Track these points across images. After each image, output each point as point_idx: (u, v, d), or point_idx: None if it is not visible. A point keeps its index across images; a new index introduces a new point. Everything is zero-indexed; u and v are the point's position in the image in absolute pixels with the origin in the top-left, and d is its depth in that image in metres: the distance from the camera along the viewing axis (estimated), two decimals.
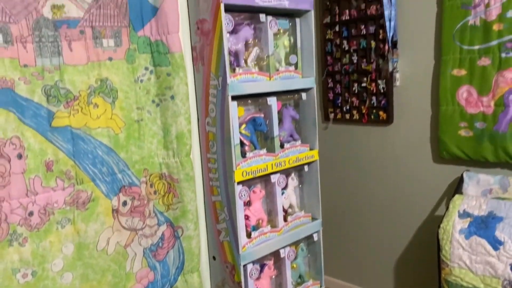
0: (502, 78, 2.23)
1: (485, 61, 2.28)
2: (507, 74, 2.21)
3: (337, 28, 2.94)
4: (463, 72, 2.37)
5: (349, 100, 2.96)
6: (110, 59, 1.31)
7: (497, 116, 2.26)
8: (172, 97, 1.42)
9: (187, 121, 1.44)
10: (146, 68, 1.39)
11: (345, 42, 2.92)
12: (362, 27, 2.80)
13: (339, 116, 3.06)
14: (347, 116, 3.00)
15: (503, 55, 2.21)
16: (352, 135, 3.03)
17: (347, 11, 2.87)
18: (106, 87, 1.29)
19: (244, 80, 1.51)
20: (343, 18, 2.90)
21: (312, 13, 1.70)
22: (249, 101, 1.59)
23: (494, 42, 2.24)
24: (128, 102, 1.35)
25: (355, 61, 2.89)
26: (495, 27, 2.22)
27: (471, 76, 2.34)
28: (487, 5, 2.23)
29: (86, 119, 1.26)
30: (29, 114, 1.16)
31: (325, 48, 3.04)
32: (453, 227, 2.06)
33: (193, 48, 1.54)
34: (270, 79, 1.60)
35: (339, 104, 3.03)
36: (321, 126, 3.20)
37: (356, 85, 2.91)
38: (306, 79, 1.73)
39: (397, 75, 2.72)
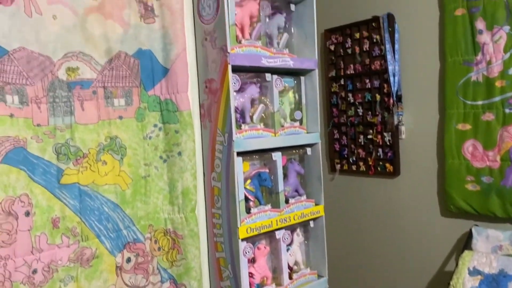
0: (506, 133, 2.25)
1: (489, 116, 2.31)
2: None
3: (342, 82, 3.02)
4: (467, 126, 2.39)
5: (356, 151, 2.99)
6: (121, 117, 1.35)
7: (504, 171, 2.26)
8: (179, 153, 1.45)
9: (193, 177, 1.46)
10: (155, 125, 1.43)
11: (350, 95, 2.98)
12: (367, 81, 2.86)
13: (345, 167, 3.07)
14: (354, 167, 3.01)
15: (507, 110, 2.24)
16: (359, 187, 3.02)
17: (351, 66, 2.95)
18: (115, 145, 1.33)
19: (249, 137, 1.54)
20: (348, 72, 2.98)
21: (316, 71, 1.75)
22: (255, 156, 1.61)
23: (497, 98, 2.27)
24: (136, 158, 1.38)
25: (360, 113, 2.93)
26: (498, 84, 2.26)
27: (476, 131, 2.36)
28: (489, 62, 2.29)
29: (94, 176, 1.29)
30: (39, 172, 1.19)
31: (331, 100, 3.10)
32: (463, 285, 2.01)
33: (201, 106, 1.59)
34: (275, 135, 1.63)
35: (346, 155, 3.05)
36: (327, 177, 3.20)
37: (362, 137, 2.94)
38: (311, 135, 1.76)
39: (403, 128, 2.75)
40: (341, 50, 2.99)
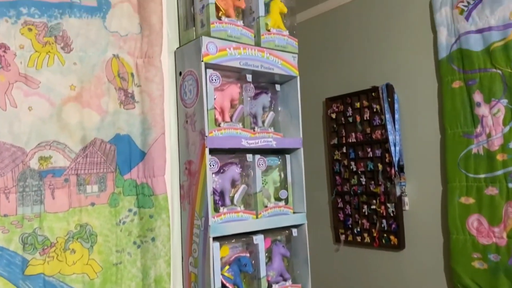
0: (511, 209, 2.14)
1: (492, 191, 2.22)
2: None
3: (344, 149, 2.99)
4: (471, 200, 2.30)
5: (360, 221, 2.90)
6: (93, 204, 1.35)
7: (511, 249, 2.13)
8: (153, 239, 1.42)
9: (167, 264, 1.42)
10: (130, 210, 1.42)
11: (352, 163, 2.94)
12: (369, 149, 2.83)
13: (350, 238, 2.96)
14: (358, 238, 2.91)
15: (510, 185, 2.15)
16: (364, 259, 2.90)
17: (353, 134, 2.93)
18: (85, 233, 1.31)
19: (228, 220, 1.51)
20: (350, 141, 2.96)
21: (302, 150, 1.74)
22: (235, 239, 1.57)
23: (499, 172, 2.19)
24: (107, 245, 1.36)
25: (363, 182, 2.88)
26: (499, 157, 2.19)
27: (479, 205, 2.26)
28: (489, 135, 2.23)
29: (61, 265, 1.26)
30: (3, 263, 1.18)
31: (334, 168, 3.07)
32: None
33: (181, 187, 1.58)
34: (257, 217, 1.59)
35: (350, 226, 2.96)
36: (332, 248, 3.09)
37: (365, 207, 2.86)
38: (297, 215, 1.71)
39: (406, 199, 2.67)
40: (343, 118, 3.00)
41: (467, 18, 2.32)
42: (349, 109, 2.95)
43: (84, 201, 1.33)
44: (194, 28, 1.58)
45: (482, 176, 2.26)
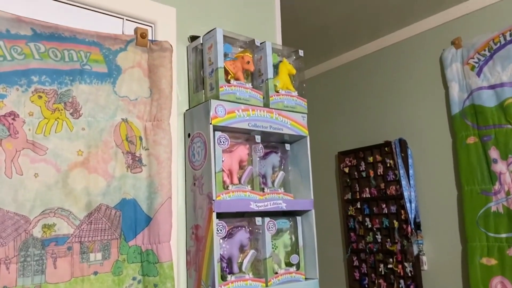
0: None
1: None
2: None
3: (358, 205, 2.92)
4: (493, 261, 2.18)
5: (376, 281, 2.77)
6: (96, 273, 1.30)
7: None
8: None
9: None
10: (134, 278, 1.37)
11: (367, 219, 2.86)
12: (383, 205, 2.75)
13: None
14: None
15: None
16: None
17: (367, 189, 2.87)
18: None
19: (237, 287, 1.44)
20: (364, 196, 2.89)
21: (313, 212, 1.68)
22: None
23: None
24: None
25: (379, 240, 2.78)
26: None
27: (502, 267, 2.15)
28: (508, 193, 2.15)
29: None
30: None
31: (348, 224, 2.98)
32: None
33: (187, 252, 1.53)
34: (267, 285, 1.52)
35: (366, 286, 2.83)
36: None
37: (382, 265, 2.75)
38: (310, 282, 1.63)
39: (424, 258, 2.56)
40: (356, 173, 2.95)
41: (478, 74, 2.30)
42: (362, 163, 2.91)
43: (87, 270, 1.29)
44: (203, 90, 1.59)
45: (504, 235, 2.16)
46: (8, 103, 1.23)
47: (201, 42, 1.62)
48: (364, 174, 2.90)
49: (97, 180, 1.35)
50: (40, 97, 1.29)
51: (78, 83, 1.36)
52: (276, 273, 1.57)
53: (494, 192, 2.21)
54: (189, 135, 1.60)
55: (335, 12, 2.60)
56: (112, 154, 1.39)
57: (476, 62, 2.32)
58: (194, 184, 1.54)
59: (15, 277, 1.18)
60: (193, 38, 1.68)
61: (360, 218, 2.92)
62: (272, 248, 1.60)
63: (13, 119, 1.24)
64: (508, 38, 2.20)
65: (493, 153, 2.21)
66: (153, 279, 1.38)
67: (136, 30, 1.50)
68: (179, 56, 1.66)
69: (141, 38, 1.49)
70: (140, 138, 1.46)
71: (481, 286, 2.20)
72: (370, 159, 2.86)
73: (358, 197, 2.93)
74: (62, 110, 1.32)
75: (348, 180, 3.01)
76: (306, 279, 1.65)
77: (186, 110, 1.64)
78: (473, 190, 2.28)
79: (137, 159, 1.44)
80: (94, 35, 1.41)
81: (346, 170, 3.01)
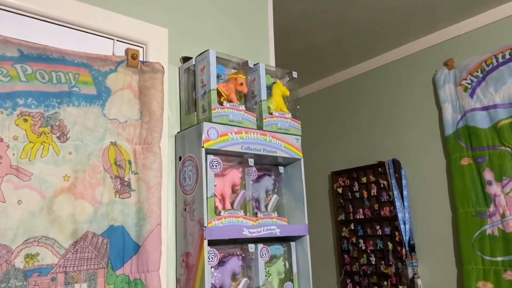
0: None
1: (511, 276, 2.07)
2: None
3: (352, 226, 2.88)
4: (489, 285, 2.15)
5: None
6: None
7: None
8: None
9: None
10: None
11: (361, 241, 2.82)
12: (377, 227, 2.72)
13: None
14: None
15: None
16: None
17: (360, 210, 2.83)
18: None
19: None
20: (357, 217, 2.85)
21: (307, 237, 1.64)
22: None
23: None
24: None
25: (373, 262, 2.73)
26: None
27: None
28: (503, 215, 2.13)
29: None
30: None
31: (342, 246, 2.93)
32: None
33: (177, 281, 1.47)
34: None
35: None
36: None
37: None
38: None
39: (419, 282, 2.51)
40: (349, 193, 2.91)
41: (471, 96, 2.30)
42: (356, 183, 2.88)
43: None
44: (195, 112, 1.55)
45: (500, 259, 2.13)
46: None
47: (194, 63, 1.59)
48: (357, 194, 2.87)
49: (83, 206, 1.29)
50: (25, 120, 1.24)
51: (66, 106, 1.31)
52: None
53: (489, 214, 2.18)
54: (180, 158, 1.55)
55: (328, 34, 2.60)
56: (100, 179, 1.34)
57: (469, 83, 2.32)
58: (185, 209, 1.49)
59: None
60: (185, 59, 1.65)
61: (353, 239, 2.88)
62: (266, 275, 1.55)
63: None
64: (500, 59, 2.21)
65: (488, 175, 2.19)
66: None
67: (127, 51, 1.46)
68: (171, 77, 1.63)
69: (132, 59, 1.45)
70: (129, 162, 1.42)
71: None
72: (364, 179, 2.83)
73: (351, 218, 2.90)
74: (48, 133, 1.27)
75: (341, 201, 2.97)
76: None
77: (178, 132, 1.60)
78: (467, 212, 2.26)
79: (126, 183, 1.39)
80: (84, 56, 1.37)
81: (340, 190, 2.98)
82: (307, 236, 1.65)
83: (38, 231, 1.21)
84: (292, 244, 1.65)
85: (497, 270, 2.13)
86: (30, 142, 1.24)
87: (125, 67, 1.45)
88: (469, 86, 2.32)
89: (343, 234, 2.94)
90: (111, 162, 1.38)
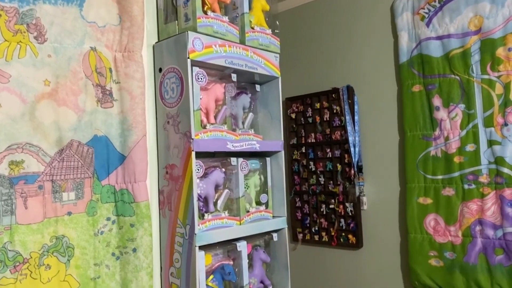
0: (467, 209, 2.26)
1: (449, 191, 2.33)
2: (471, 206, 2.25)
3: (303, 150, 3.00)
4: (429, 200, 2.40)
5: (318, 221, 2.92)
6: (69, 213, 1.21)
7: (466, 247, 2.25)
8: (134, 250, 1.31)
9: (149, 276, 1.32)
10: (108, 219, 1.30)
11: (311, 163, 2.96)
12: (328, 150, 2.86)
13: (307, 237, 2.98)
14: (316, 237, 2.93)
15: (466, 186, 2.27)
16: (322, 258, 2.93)
17: (312, 134, 2.95)
18: (61, 246, 1.18)
19: (213, 227, 1.43)
20: (309, 141, 2.97)
21: (283, 153, 1.70)
22: (217, 247, 1.50)
23: (456, 174, 2.30)
24: (85, 258, 1.23)
25: (322, 182, 2.90)
26: (456, 160, 2.30)
27: (437, 205, 2.37)
28: (447, 138, 2.33)
29: (34, 284, 1.12)
30: None
31: (292, 168, 3.06)
32: None
33: (160, 192, 1.47)
34: (240, 223, 1.53)
35: (308, 225, 2.98)
36: (289, 247, 3.10)
37: (324, 206, 2.89)
38: (277, 220, 1.67)
39: (364, 199, 2.73)
40: (302, 119, 3.00)
41: (427, 25, 2.40)
42: (309, 109, 2.96)
43: (60, 211, 1.19)
44: (176, 21, 1.47)
45: (440, 177, 2.36)
46: None
47: None
48: (310, 120, 2.96)
49: (67, 113, 1.22)
50: None
51: (42, 3, 1.18)
52: (248, 211, 1.58)
53: (434, 137, 2.38)
54: (160, 69, 1.49)
55: None
56: (81, 86, 1.26)
57: (426, 13, 2.41)
58: (168, 122, 1.46)
59: None
60: None
61: (304, 162, 3.01)
62: (244, 187, 1.60)
63: None
64: None
65: (436, 101, 2.36)
66: (129, 219, 1.31)
67: None
68: None
69: None
70: (110, 70, 1.34)
71: (416, 222, 2.42)
72: (317, 105, 2.92)
73: (303, 142, 3.01)
74: (25, 32, 1.15)
75: (294, 126, 3.06)
76: (273, 217, 1.69)
77: (156, 43, 1.52)
78: (415, 135, 2.44)
79: (107, 92, 1.32)
80: None
81: (293, 116, 3.05)
82: (282, 152, 1.71)
83: (21, 137, 1.13)
84: (268, 159, 1.71)
85: (436, 187, 2.37)
86: (6, 40, 1.12)
87: None
88: (426, 16, 2.41)
89: (294, 157, 3.06)
90: (92, 69, 1.29)
